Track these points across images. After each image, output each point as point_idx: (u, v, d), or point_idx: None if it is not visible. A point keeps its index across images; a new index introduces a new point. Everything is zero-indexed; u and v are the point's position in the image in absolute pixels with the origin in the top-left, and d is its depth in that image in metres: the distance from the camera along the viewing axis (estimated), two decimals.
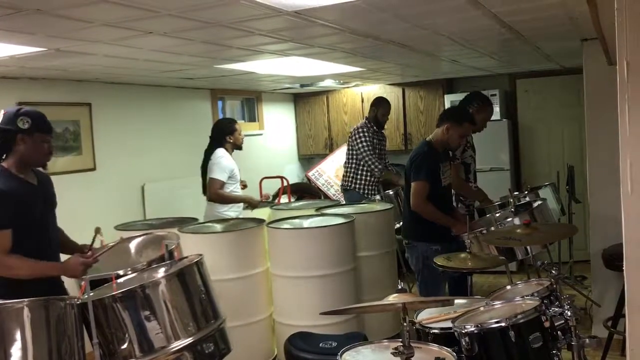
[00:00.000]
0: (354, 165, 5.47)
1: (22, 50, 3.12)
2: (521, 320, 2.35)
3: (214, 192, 4.49)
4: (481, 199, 4.47)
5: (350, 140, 5.53)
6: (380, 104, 5.58)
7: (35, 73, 4.11)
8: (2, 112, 2.69)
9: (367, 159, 5.36)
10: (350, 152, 5.51)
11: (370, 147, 5.37)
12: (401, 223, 4.31)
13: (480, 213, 4.54)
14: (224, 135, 4.63)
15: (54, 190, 2.92)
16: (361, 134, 5.39)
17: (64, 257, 2.91)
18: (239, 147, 4.69)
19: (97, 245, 2.93)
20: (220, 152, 4.54)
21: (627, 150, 1.25)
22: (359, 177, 5.43)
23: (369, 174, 5.42)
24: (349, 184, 5.49)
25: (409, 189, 3.86)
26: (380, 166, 5.35)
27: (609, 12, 2.00)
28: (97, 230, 2.93)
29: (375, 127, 5.50)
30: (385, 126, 6.67)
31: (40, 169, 2.83)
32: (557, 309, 2.49)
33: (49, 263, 2.61)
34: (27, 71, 3.98)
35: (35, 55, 3.27)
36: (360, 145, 5.38)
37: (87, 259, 2.67)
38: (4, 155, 2.67)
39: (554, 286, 2.69)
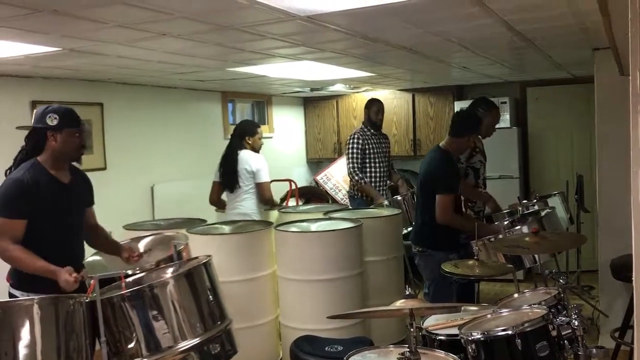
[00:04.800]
0: None
1: (37, 49, 3.15)
2: (528, 329, 2.34)
3: (269, 195, 4.58)
4: (487, 198, 4.44)
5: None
6: (370, 104, 5.45)
7: (48, 72, 4.15)
8: (35, 111, 2.74)
9: (349, 166, 5.29)
10: None
11: (357, 155, 5.26)
12: (410, 229, 4.29)
13: (488, 220, 4.52)
14: (244, 135, 4.61)
15: (88, 190, 2.95)
16: (351, 142, 5.30)
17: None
18: (256, 151, 4.64)
19: None
20: (252, 155, 4.51)
21: (638, 161, 1.25)
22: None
23: (374, 180, 5.33)
24: (356, 192, 5.41)
25: (426, 198, 3.81)
26: (360, 175, 5.23)
27: (622, 22, 2.00)
28: (109, 234, 3.01)
29: (372, 130, 5.37)
30: (395, 132, 6.71)
31: (76, 164, 2.89)
32: (564, 318, 2.49)
33: (49, 267, 2.54)
34: (40, 70, 4.02)
35: (50, 54, 3.30)
36: (348, 152, 5.30)
37: (75, 280, 2.50)
38: (37, 151, 2.72)
39: (562, 295, 2.69)
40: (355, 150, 5.28)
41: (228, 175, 4.51)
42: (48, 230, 2.68)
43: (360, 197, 5.33)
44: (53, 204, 2.71)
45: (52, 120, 2.64)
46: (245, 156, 4.50)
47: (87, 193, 2.97)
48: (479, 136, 4.43)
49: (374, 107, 5.41)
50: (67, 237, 2.79)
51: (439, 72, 5.25)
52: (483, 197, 4.41)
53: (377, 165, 5.34)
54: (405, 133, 6.79)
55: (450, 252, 3.72)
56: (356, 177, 5.24)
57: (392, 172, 5.58)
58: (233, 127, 6.29)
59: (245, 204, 4.48)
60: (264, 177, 4.49)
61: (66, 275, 2.46)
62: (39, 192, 2.64)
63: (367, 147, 5.30)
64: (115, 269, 2.96)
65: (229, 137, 6.11)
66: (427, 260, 3.87)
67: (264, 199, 4.55)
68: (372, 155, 5.32)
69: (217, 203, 4.74)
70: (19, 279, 2.67)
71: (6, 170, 2.76)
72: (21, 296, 2.64)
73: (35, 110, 2.76)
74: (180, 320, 2.40)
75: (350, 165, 5.28)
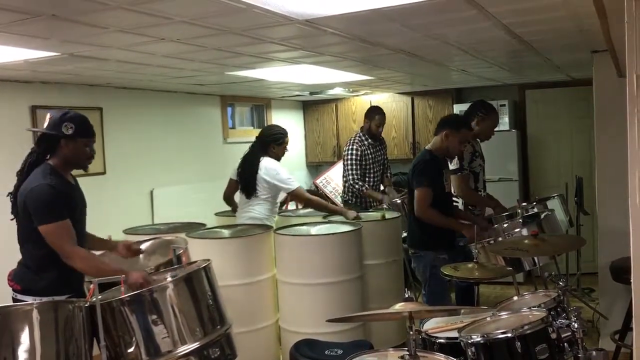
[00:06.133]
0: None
1: (36, 54, 3.16)
2: (528, 331, 2.35)
3: (306, 198, 4.45)
4: (493, 206, 4.46)
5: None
6: (372, 115, 5.34)
7: (47, 77, 4.16)
8: (48, 115, 2.77)
9: (349, 177, 5.20)
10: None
11: (356, 165, 5.19)
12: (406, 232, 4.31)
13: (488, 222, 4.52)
14: (271, 142, 4.46)
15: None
16: (350, 152, 5.22)
17: None
18: (278, 159, 4.51)
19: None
20: (272, 166, 4.36)
21: (635, 163, 1.25)
22: (355, 189, 5.34)
23: (370, 185, 5.30)
24: (349, 198, 5.35)
25: (412, 198, 3.86)
26: (360, 183, 5.16)
27: (619, 25, 2.01)
28: (108, 238, 3.02)
29: (370, 140, 5.30)
30: (394, 134, 6.71)
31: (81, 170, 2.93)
32: (564, 321, 2.49)
33: (114, 267, 2.65)
34: (40, 75, 4.03)
35: (49, 59, 3.31)
36: (347, 160, 5.22)
37: (151, 279, 2.64)
38: (48, 155, 2.77)
39: (561, 298, 2.69)
40: (354, 161, 5.20)
41: (246, 180, 4.40)
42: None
43: (354, 202, 5.29)
44: (73, 204, 2.77)
45: (68, 130, 2.70)
46: (265, 164, 4.34)
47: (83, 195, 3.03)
48: (478, 139, 4.44)
49: (377, 120, 5.31)
50: (81, 236, 2.85)
51: (438, 75, 5.26)
52: (485, 202, 4.42)
53: (372, 172, 5.31)
54: (404, 136, 6.80)
55: (439, 253, 3.74)
56: (357, 187, 5.18)
57: (385, 177, 5.51)
58: (232, 130, 6.34)
59: (258, 209, 4.41)
60: (291, 185, 4.32)
61: (143, 274, 2.61)
62: (65, 195, 2.71)
63: (364, 155, 5.25)
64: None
65: (229, 140, 6.15)
66: (418, 261, 3.92)
67: (301, 203, 4.41)
68: (368, 165, 5.28)
69: (230, 200, 4.68)
70: (33, 283, 2.67)
71: (17, 172, 2.79)
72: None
73: (50, 115, 2.78)
74: (180, 325, 2.41)
75: (350, 176, 5.20)
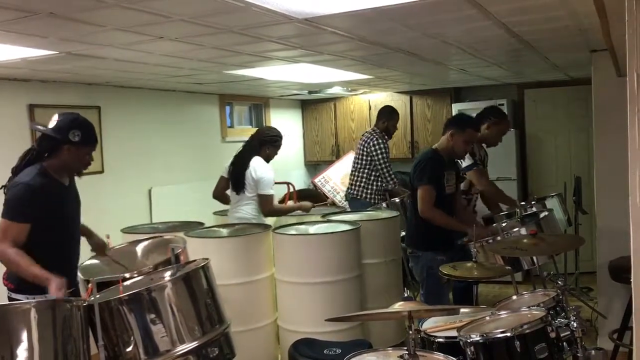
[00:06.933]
0: (365, 174, 5.41)
1: (34, 53, 3.15)
2: (527, 331, 2.34)
3: (269, 209, 4.39)
4: (510, 203, 4.51)
5: (363, 148, 5.41)
6: (392, 116, 5.50)
7: (46, 76, 4.15)
8: (56, 116, 2.75)
9: (385, 171, 5.29)
10: (363, 160, 5.41)
11: (388, 160, 5.32)
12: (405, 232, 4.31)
13: (487, 222, 4.53)
14: (267, 143, 4.47)
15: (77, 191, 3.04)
16: (380, 145, 5.30)
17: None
18: (267, 160, 4.50)
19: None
20: (261, 165, 4.36)
21: (636, 162, 1.25)
22: (369, 185, 5.37)
23: (378, 183, 5.35)
24: (358, 192, 5.39)
25: (414, 197, 3.85)
26: (396, 179, 5.30)
27: (619, 24, 2.01)
28: (107, 237, 3.08)
29: (386, 137, 5.44)
30: None
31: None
32: (563, 320, 2.49)
33: (41, 272, 2.57)
34: (38, 74, 4.02)
35: (47, 58, 3.30)
36: (380, 156, 5.29)
37: (63, 292, 2.55)
38: (46, 154, 2.76)
39: (560, 297, 2.69)
40: (387, 157, 5.32)
41: (235, 177, 4.40)
42: (52, 233, 2.74)
43: (364, 198, 5.32)
44: (59, 206, 2.76)
45: (75, 137, 2.69)
46: (255, 163, 4.36)
47: (78, 194, 3.04)
48: (483, 144, 4.43)
49: (394, 120, 5.49)
50: (68, 238, 2.85)
51: (436, 75, 5.26)
52: (508, 200, 4.48)
53: None
54: (403, 135, 6.79)
55: (437, 254, 3.73)
56: (393, 182, 5.30)
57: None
58: (231, 129, 6.33)
59: (246, 209, 4.40)
60: (266, 189, 4.33)
61: (56, 287, 2.49)
62: (47, 197, 2.69)
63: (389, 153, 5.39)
64: (113, 272, 2.95)
65: (227, 139, 6.14)
66: (416, 261, 3.91)
67: (263, 211, 4.40)
68: None
69: (221, 197, 4.66)
70: (24, 282, 2.66)
71: (13, 168, 2.79)
72: (26, 300, 2.64)
73: (58, 117, 2.76)
74: (178, 324, 2.39)
75: (388, 172, 5.29)
